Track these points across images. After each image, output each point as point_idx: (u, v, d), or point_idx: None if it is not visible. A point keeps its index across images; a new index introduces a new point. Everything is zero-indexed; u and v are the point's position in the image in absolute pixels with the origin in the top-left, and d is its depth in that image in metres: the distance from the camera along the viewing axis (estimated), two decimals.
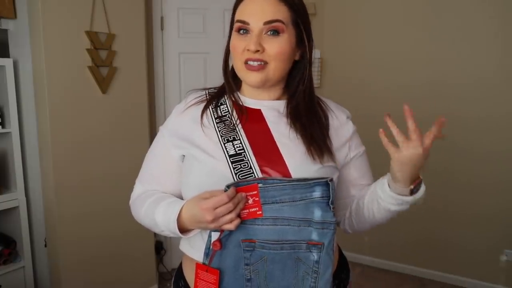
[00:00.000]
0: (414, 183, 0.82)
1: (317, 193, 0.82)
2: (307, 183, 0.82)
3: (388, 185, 0.85)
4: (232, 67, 0.96)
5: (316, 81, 3.01)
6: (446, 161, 2.67)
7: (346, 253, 1.08)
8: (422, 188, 0.84)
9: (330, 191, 0.83)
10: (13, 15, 2.00)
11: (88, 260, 2.17)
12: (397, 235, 2.85)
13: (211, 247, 0.82)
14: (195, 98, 0.99)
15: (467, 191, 2.63)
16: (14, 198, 2.02)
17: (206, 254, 0.83)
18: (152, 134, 2.43)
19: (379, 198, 0.87)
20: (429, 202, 2.80)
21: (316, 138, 0.90)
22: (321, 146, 0.89)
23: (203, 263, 0.84)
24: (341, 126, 0.96)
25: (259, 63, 0.86)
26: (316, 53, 2.99)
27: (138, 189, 1.01)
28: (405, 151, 0.76)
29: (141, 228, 0.97)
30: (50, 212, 2.07)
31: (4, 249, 2.05)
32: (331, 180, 0.83)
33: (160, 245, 2.73)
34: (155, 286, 2.57)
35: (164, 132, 0.98)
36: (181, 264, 1.00)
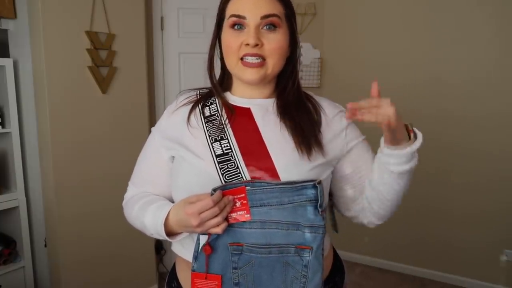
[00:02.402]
0: (410, 131, 0.83)
1: (305, 196, 0.80)
2: (294, 186, 0.80)
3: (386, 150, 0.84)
4: (222, 68, 0.95)
5: (316, 81, 3.01)
6: (445, 161, 2.66)
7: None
8: (419, 133, 0.83)
9: (318, 194, 0.81)
10: (13, 15, 2.01)
11: (88, 260, 2.18)
12: (397, 235, 2.84)
13: (200, 250, 0.81)
14: (186, 98, 0.98)
15: (467, 191, 2.62)
16: (14, 198, 2.03)
17: (195, 258, 0.82)
18: None
19: (388, 165, 0.84)
20: (429, 202, 2.80)
21: (306, 133, 0.87)
22: (310, 142, 0.87)
23: (194, 270, 0.82)
24: (333, 120, 0.93)
25: (257, 59, 0.85)
26: (316, 53, 2.98)
27: (131, 190, 1.01)
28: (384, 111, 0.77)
29: None
30: (50, 212, 2.07)
31: (4, 249, 2.05)
32: (319, 183, 0.81)
33: (160, 245, 2.74)
34: (155, 286, 2.58)
35: (155, 134, 0.98)
36: (174, 265, 1.00)
